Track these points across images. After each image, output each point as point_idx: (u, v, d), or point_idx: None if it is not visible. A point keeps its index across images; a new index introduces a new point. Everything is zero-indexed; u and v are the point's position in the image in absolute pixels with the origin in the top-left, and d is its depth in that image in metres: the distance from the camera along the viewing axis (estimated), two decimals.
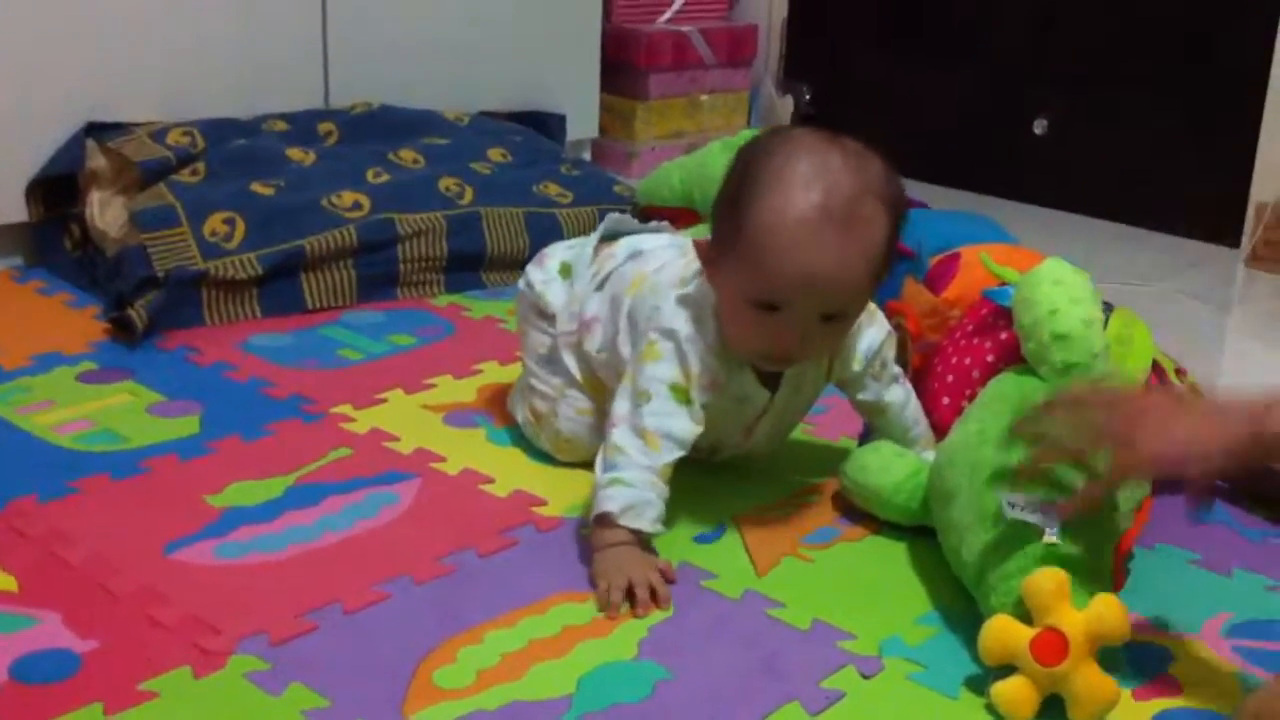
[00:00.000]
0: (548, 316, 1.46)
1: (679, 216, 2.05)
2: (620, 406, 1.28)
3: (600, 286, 1.42)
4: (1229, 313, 2.23)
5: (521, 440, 1.51)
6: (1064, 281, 1.27)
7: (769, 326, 1.22)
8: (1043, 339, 1.25)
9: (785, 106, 3.11)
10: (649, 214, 2.20)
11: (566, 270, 1.49)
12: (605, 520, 1.23)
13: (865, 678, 1.11)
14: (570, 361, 1.44)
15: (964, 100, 2.91)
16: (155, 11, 2.07)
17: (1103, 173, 2.71)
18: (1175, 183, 2.61)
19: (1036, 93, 2.79)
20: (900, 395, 1.41)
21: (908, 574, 1.28)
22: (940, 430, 1.42)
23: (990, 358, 1.41)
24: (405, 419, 1.56)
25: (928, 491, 1.30)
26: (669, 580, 1.22)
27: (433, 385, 1.66)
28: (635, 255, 1.43)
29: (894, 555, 1.32)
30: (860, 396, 1.39)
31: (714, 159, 2.17)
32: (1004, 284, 1.47)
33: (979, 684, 1.10)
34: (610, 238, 1.50)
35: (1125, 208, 2.66)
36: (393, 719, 1.02)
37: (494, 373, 1.71)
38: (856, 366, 1.36)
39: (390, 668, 1.08)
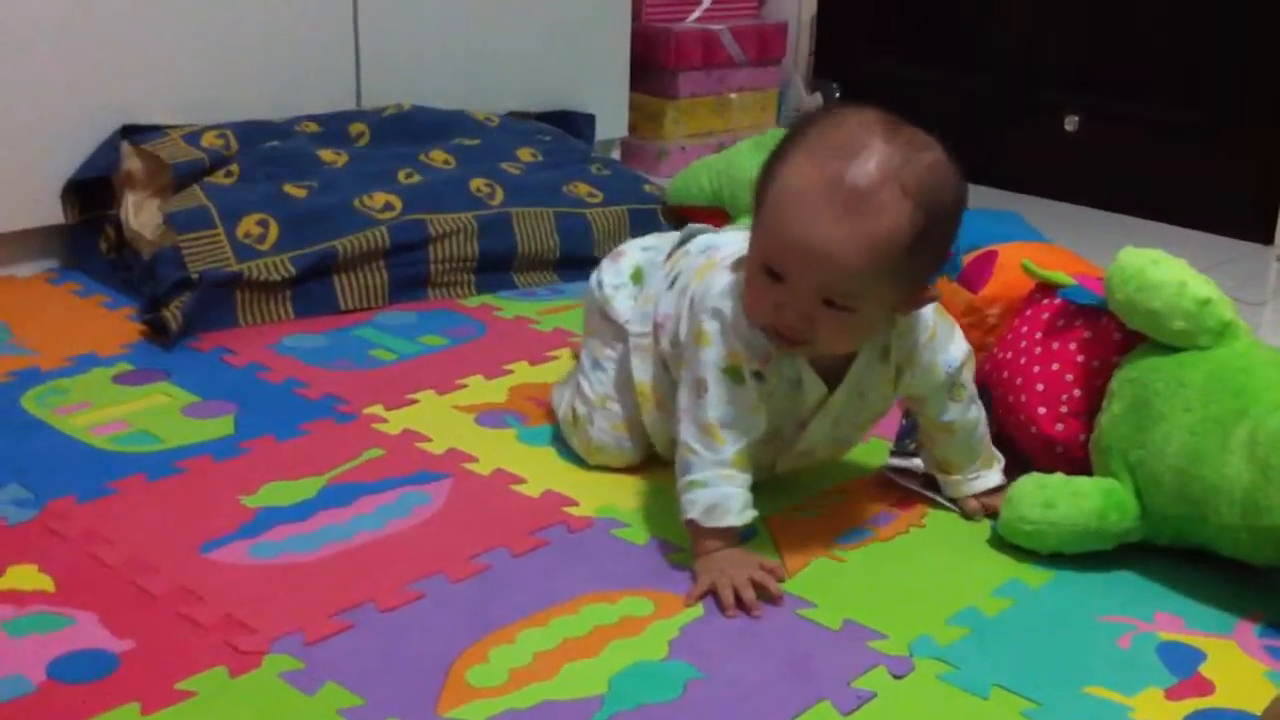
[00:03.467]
0: (610, 321, 1.46)
1: (709, 217, 2.05)
2: (683, 398, 1.27)
3: (672, 284, 1.40)
4: (1261, 310, 2.21)
5: (553, 441, 1.52)
6: (1160, 259, 1.28)
7: (773, 296, 1.19)
8: (1189, 310, 1.26)
9: (815, 104, 3.11)
10: (679, 214, 2.20)
11: (638, 276, 1.48)
12: (694, 526, 1.24)
13: (896, 678, 1.11)
14: (639, 365, 1.41)
15: (995, 97, 2.90)
16: (188, 15, 2.08)
17: (1134, 169, 2.70)
18: (1207, 179, 2.60)
19: (1068, 89, 2.78)
20: (975, 415, 1.37)
21: (938, 574, 1.28)
22: (1040, 440, 1.40)
23: (1080, 358, 1.39)
24: (437, 419, 1.57)
25: (1150, 503, 1.27)
26: (778, 577, 1.23)
27: (464, 385, 1.67)
28: (708, 248, 1.40)
29: (925, 556, 1.32)
30: (940, 418, 1.35)
31: (742, 159, 2.18)
32: (1058, 286, 1.45)
33: (1010, 684, 1.10)
34: (685, 242, 1.48)
35: (1156, 205, 2.64)
36: (426, 718, 1.03)
37: (525, 373, 1.72)
38: (938, 380, 1.32)
39: (424, 667, 1.09)
